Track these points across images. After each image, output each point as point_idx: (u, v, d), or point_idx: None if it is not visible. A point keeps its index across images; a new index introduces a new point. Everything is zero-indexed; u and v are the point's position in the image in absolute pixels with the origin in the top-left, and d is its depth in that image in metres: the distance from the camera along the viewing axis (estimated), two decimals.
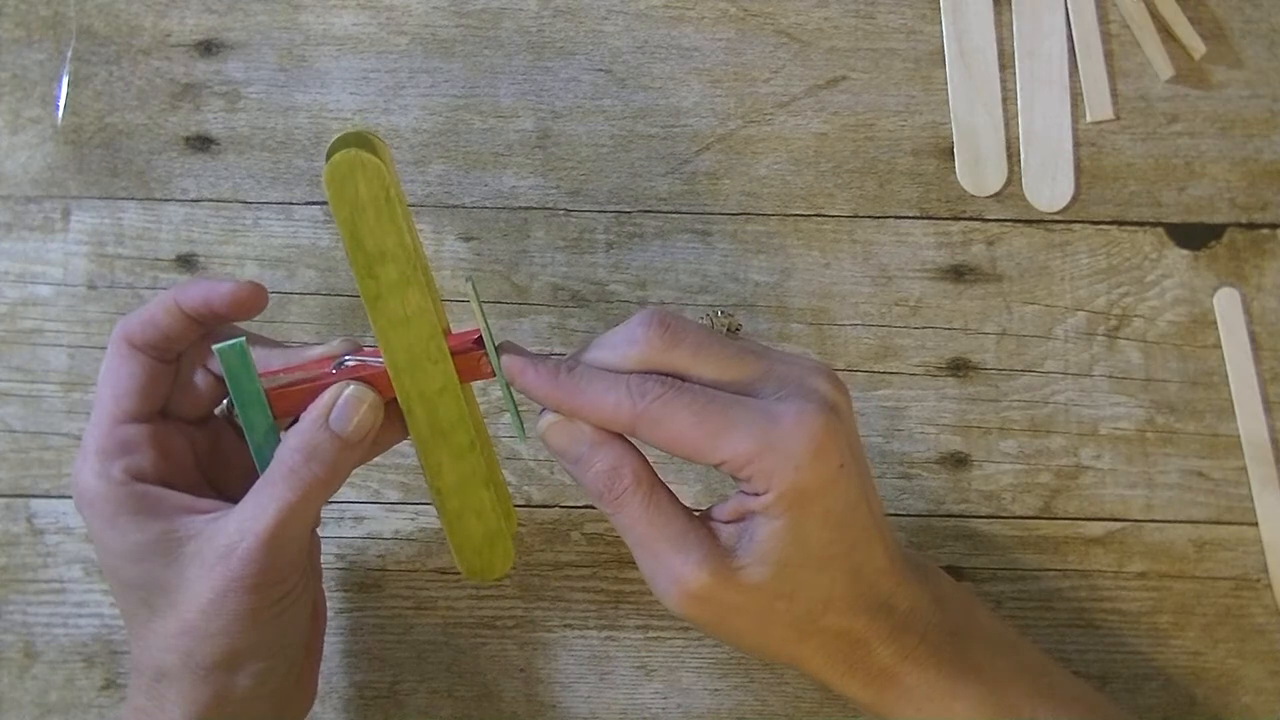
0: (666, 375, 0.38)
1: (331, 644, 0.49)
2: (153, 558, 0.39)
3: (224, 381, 0.41)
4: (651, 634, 0.49)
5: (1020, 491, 0.50)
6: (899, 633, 0.40)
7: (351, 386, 0.40)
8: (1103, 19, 0.53)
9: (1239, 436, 0.50)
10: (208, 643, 0.38)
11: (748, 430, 0.37)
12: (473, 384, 0.44)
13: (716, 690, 0.49)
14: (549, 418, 0.39)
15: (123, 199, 0.52)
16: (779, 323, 0.51)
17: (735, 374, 0.38)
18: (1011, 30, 0.53)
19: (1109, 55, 0.53)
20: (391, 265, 0.41)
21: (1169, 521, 0.50)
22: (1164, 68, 0.52)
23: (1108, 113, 0.52)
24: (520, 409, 0.43)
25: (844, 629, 0.39)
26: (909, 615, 0.40)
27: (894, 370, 0.51)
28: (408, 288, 0.41)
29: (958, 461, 0.50)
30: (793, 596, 0.38)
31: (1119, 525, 0.50)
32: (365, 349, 0.43)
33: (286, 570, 0.39)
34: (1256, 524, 0.50)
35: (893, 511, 0.50)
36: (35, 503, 0.50)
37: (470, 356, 0.42)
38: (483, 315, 0.42)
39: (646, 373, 0.38)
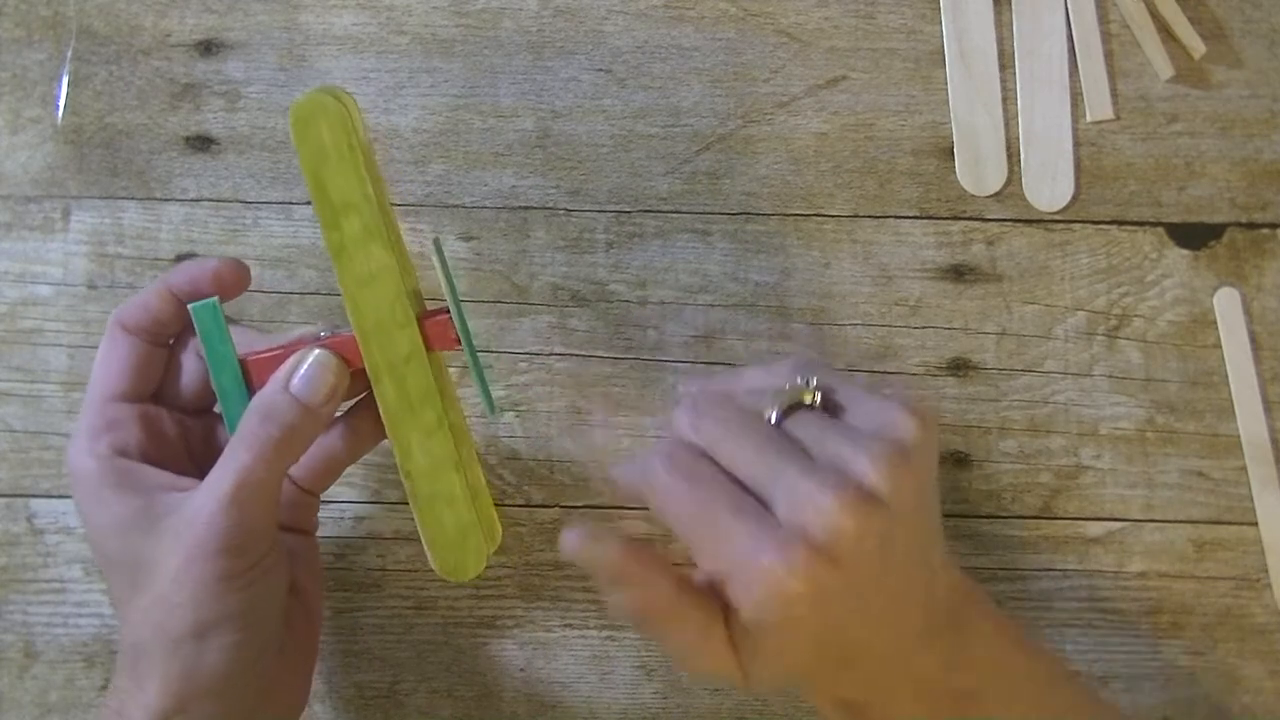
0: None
1: (331, 644, 0.49)
2: (133, 532, 0.39)
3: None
4: None
5: (1020, 491, 0.50)
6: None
7: (316, 352, 0.41)
8: (1103, 19, 0.53)
9: (1239, 436, 0.50)
10: (176, 613, 0.39)
11: (732, 546, 0.34)
12: (455, 389, 0.45)
13: (716, 690, 0.49)
14: (571, 535, 0.37)
15: (123, 199, 0.52)
16: (779, 323, 0.51)
17: (750, 471, 0.36)
18: (1011, 30, 0.53)
19: (1109, 55, 0.53)
20: (355, 217, 0.41)
21: (1169, 521, 0.50)
22: (1164, 68, 0.52)
23: (1108, 113, 0.52)
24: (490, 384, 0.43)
25: (910, 672, 0.37)
26: (909, 689, 0.37)
27: (894, 370, 0.51)
28: (371, 242, 0.41)
29: (958, 461, 0.50)
30: (851, 662, 0.36)
31: (1119, 525, 0.50)
32: (344, 331, 0.43)
33: (251, 537, 0.39)
34: (1256, 524, 0.50)
35: None
36: (35, 503, 0.50)
37: (437, 322, 0.42)
38: (447, 278, 0.42)
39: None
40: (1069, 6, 0.53)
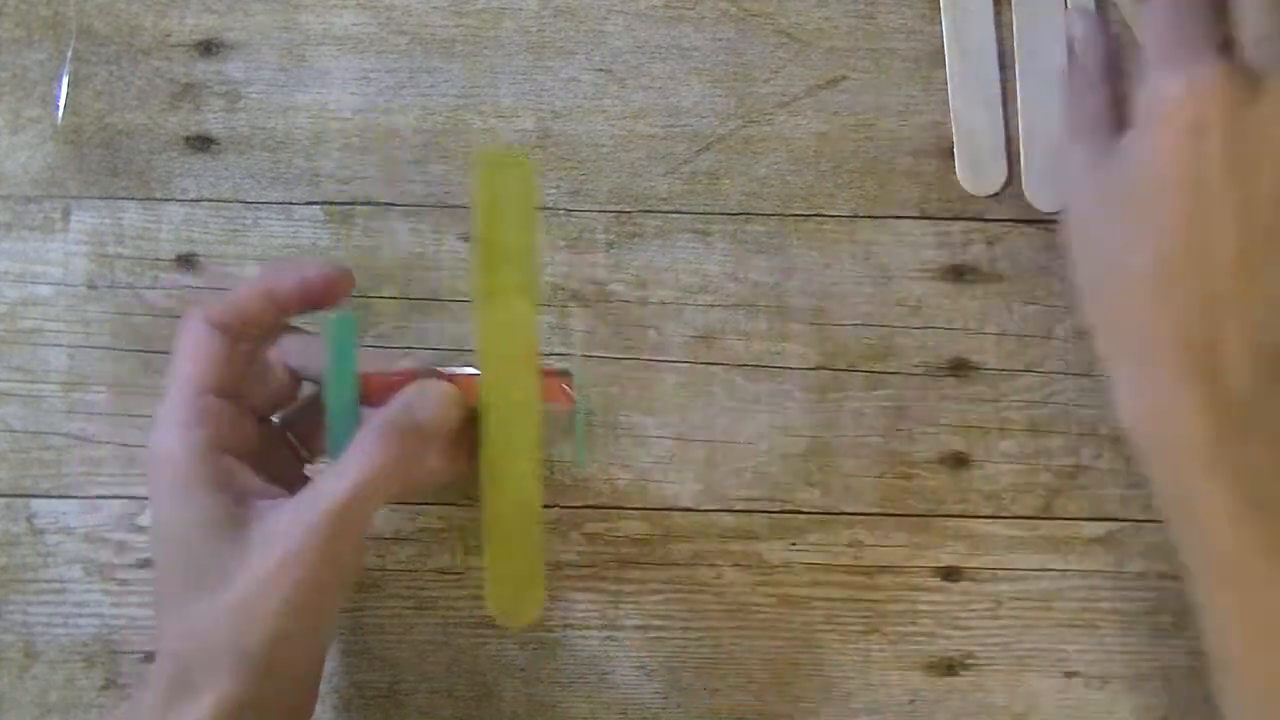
0: None
1: (331, 644, 0.49)
2: (219, 532, 0.38)
3: (293, 376, 0.43)
4: (651, 634, 0.49)
5: (1020, 491, 0.50)
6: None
7: (443, 384, 0.42)
8: (1102, 19, 0.53)
9: None
10: (257, 622, 0.38)
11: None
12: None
13: (716, 690, 0.49)
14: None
15: (123, 199, 0.52)
16: (779, 323, 0.51)
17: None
18: (1012, 30, 0.53)
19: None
20: (513, 268, 0.44)
21: None
22: None
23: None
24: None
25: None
26: None
27: (894, 370, 0.51)
28: (520, 294, 0.44)
29: (958, 461, 0.50)
30: None
31: (1119, 525, 0.50)
32: (454, 367, 0.45)
33: (345, 555, 0.39)
34: None
35: (893, 511, 0.50)
36: (35, 503, 0.50)
37: (554, 378, 0.45)
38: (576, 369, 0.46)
39: None
40: (1069, 6, 0.53)
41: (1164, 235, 0.42)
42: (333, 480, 0.39)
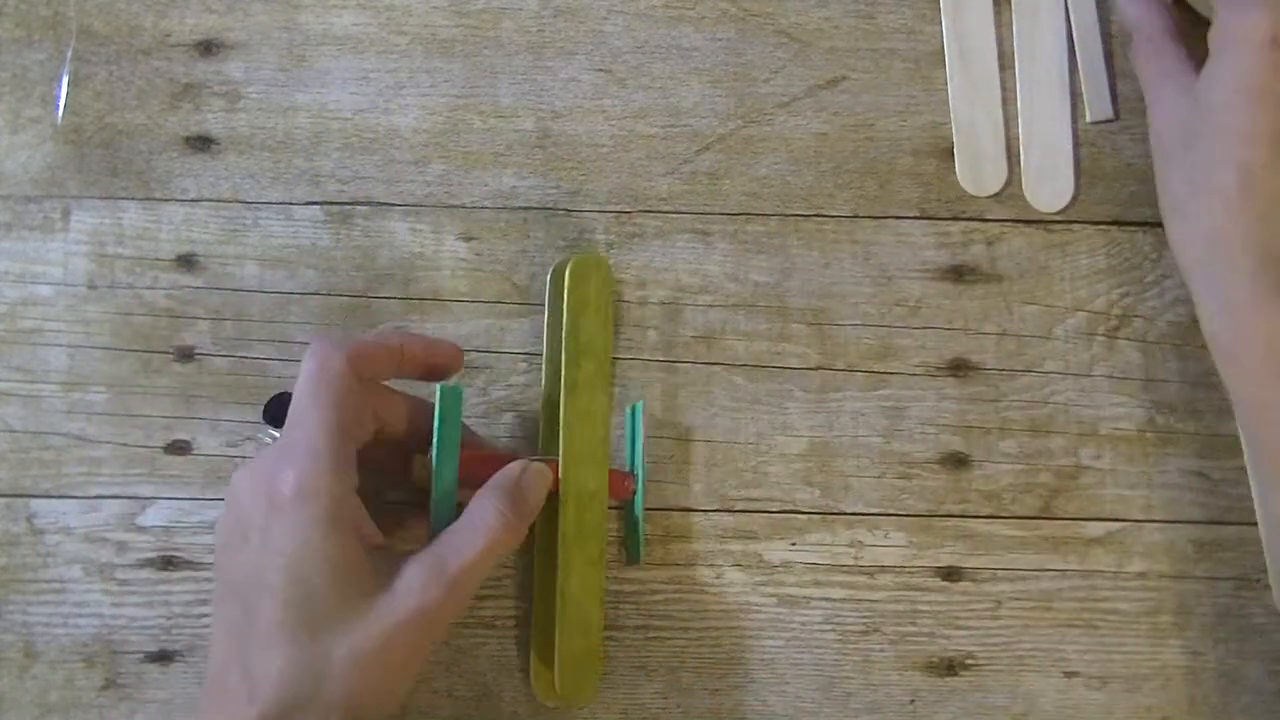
0: None
1: None
2: (350, 579, 0.38)
3: (380, 435, 0.43)
4: (651, 634, 0.49)
5: (1020, 491, 0.50)
6: None
7: (538, 464, 0.44)
8: (1103, 18, 0.53)
9: (1239, 436, 0.50)
10: (373, 679, 0.37)
11: None
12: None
13: (716, 690, 0.49)
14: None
15: (123, 199, 0.52)
16: (779, 323, 0.51)
17: None
18: (1011, 30, 0.53)
19: (1109, 56, 0.53)
20: (592, 361, 0.48)
21: (1169, 521, 0.50)
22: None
23: (1108, 113, 0.52)
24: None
25: None
26: None
27: (894, 370, 0.51)
28: (597, 387, 0.48)
29: (958, 461, 0.50)
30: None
31: (1119, 525, 0.50)
32: (532, 453, 0.49)
33: (453, 615, 0.40)
34: (1256, 524, 0.50)
35: (893, 511, 0.50)
36: (35, 503, 0.50)
37: (620, 475, 0.48)
38: (639, 438, 0.49)
39: None
40: (1069, 6, 0.53)
41: (1248, 147, 0.44)
42: (463, 540, 0.40)
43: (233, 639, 0.38)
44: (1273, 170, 0.43)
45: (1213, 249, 0.45)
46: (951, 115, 0.53)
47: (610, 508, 0.49)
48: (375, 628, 0.37)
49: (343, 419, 0.40)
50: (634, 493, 0.48)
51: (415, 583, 0.38)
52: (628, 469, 0.49)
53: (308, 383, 0.41)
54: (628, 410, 0.49)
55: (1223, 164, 0.44)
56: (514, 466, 0.43)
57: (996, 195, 0.52)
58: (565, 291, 0.48)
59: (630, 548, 0.48)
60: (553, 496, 0.46)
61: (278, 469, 0.39)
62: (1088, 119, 0.53)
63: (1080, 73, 0.53)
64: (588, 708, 0.48)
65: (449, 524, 0.42)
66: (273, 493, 0.38)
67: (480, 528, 0.40)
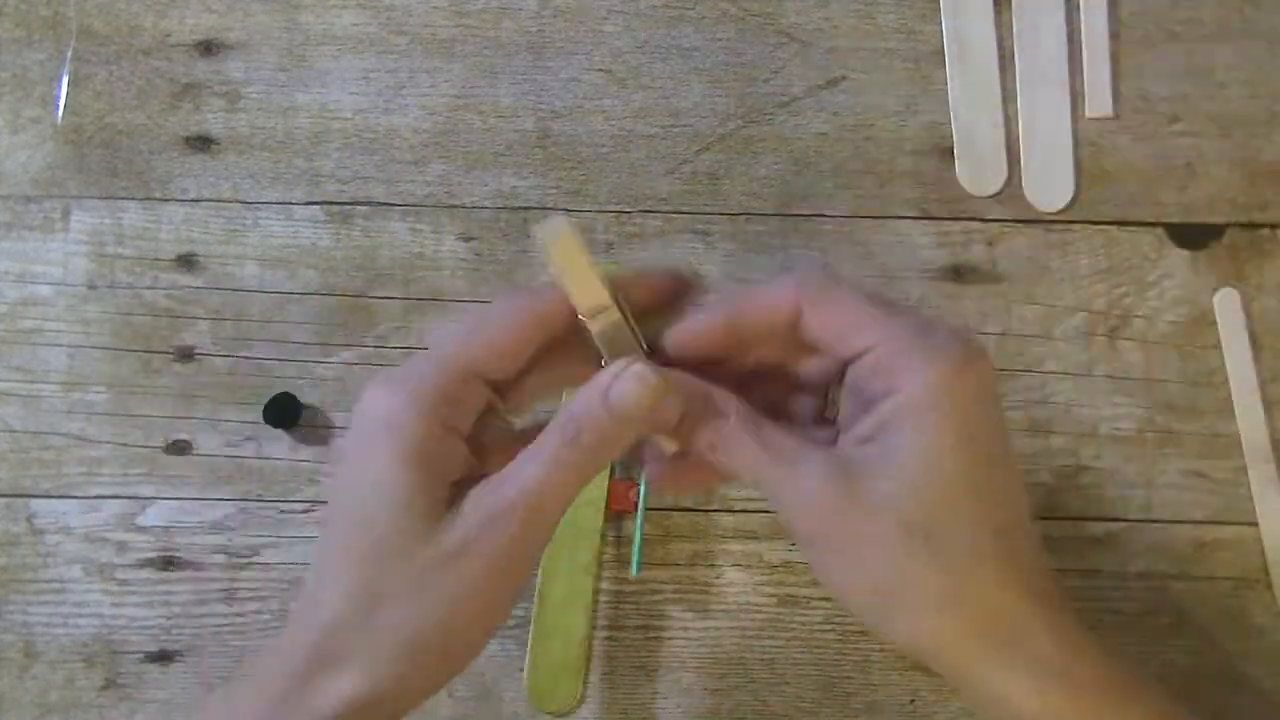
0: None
1: None
2: (416, 513, 0.36)
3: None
4: (651, 634, 0.49)
5: None
6: (1065, 624, 0.35)
7: (636, 365, 0.36)
8: (1112, 15, 0.53)
9: (1239, 436, 0.50)
10: (430, 610, 0.36)
11: (901, 324, 0.35)
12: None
13: (716, 690, 0.49)
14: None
15: (123, 199, 0.52)
16: None
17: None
18: (1011, 30, 0.53)
19: (1115, 54, 0.53)
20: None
21: (1169, 521, 0.50)
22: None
23: (1107, 110, 0.52)
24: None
25: (997, 607, 0.34)
26: (1072, 613, 0.35)
27: None
28: None
29: None
30: (930, 535, 0.34)
31: (1119, 525, 0.50)
32: None
33: (526, 550, 0.37)
34: (1256, 524, 0.50)
35: None
36: (35, 503, 0.50)
37: (623, 486, 0.47)
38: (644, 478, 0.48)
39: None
40: (1080, 4, 0.53)
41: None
42: (519, 475, 0.36)
43: (314, 560, 0.38)
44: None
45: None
46: (951, 115, 0.53)
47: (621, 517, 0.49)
48: (429, 556, 0.36)
49: (471, 359, 0.37)
50: (635, 504, 0.48)
51: (473, 513, 0.36)
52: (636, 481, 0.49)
53: (476, 313, 0.38)
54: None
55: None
56: (602, 376, 0.36)
57: (996, 195, 0.52)
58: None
59: (635, 557, 0.48)
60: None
61: (376, 393, 0.37)
62: (1086, 114, 0.52)
63: (1084, 68, 0.53)
64: (587, 708, 0.48)
65: None
66: (364, 415, 0.37)
67: (542, 455, 0.36)
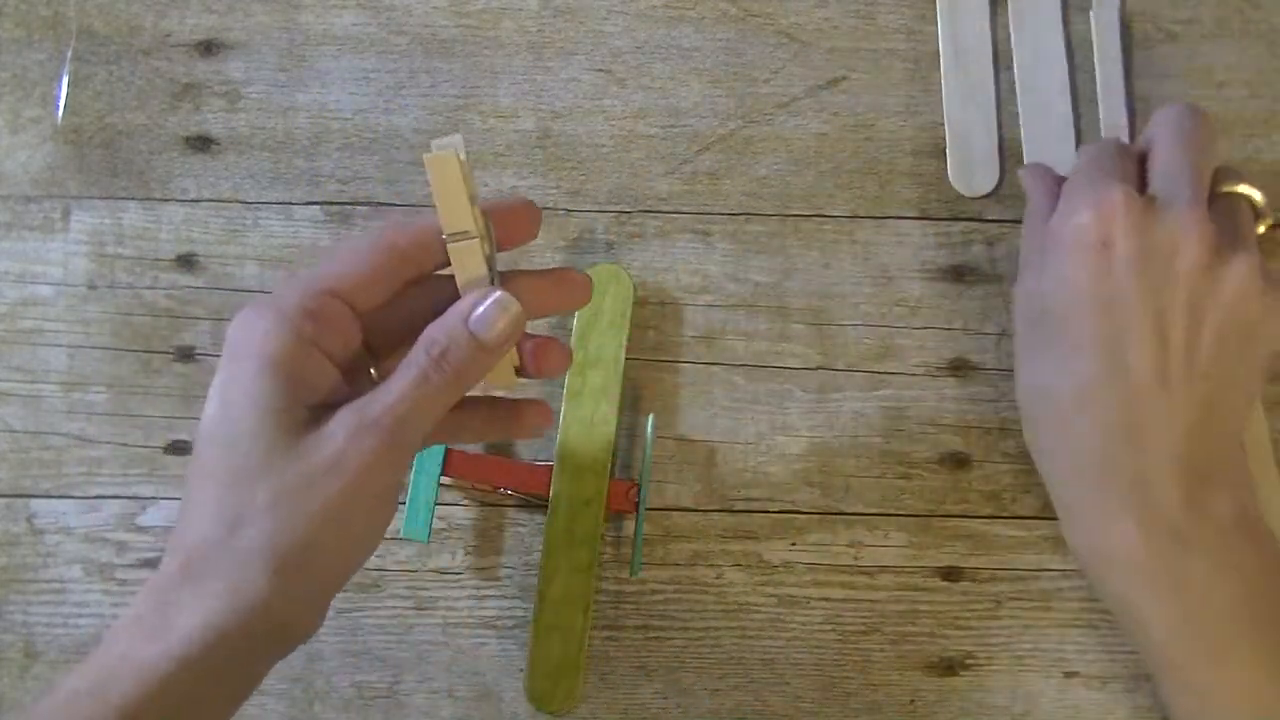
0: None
1: (331, 644, 0.49)
2: (278, 428, 0.36)
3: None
4: (651, 634, 0.49)
5: (1020, 491, 0.50)
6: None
7: (498, 293, 0.38)
8: (1123, 17, 0.53)
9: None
10: (293, 524, 0.36)
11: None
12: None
13: (716, 690, 0.49)
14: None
15: (123, 199, 0.52)
16: (779, 323, 0.51)
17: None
18: (1009, 31, 0.53)
19: (1129, 67, 0.53)
20: (600, 373, 0.48)
21: None
22: None
23: (1121, 120, 0.52)
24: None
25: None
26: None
27: (894, 370, 0.51)
28: (604, 398, 0.48)
29: (958, 461, 0.50)
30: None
31: None
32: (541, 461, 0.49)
33: (396, 466, 0.38)
34: None
35: (893, 511, 0.50)
36: (35, 503, 0.50)
37: (622, 485, 0.48)
38: (647, 455, 0.48)
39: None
40: (1092, 15, 0.53)
41: (1083, 357, 0.43)
42: (386, 390, 0.37)
43: (185, 483, 0.38)
44: (1108, 380, 0.43)
45: (1063, 463, 0.45)
46: (945, 116, 0.53)
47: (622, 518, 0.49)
48: (294, 471, 0.36)
49: (339, 277, 0.38)
50: (635, 504, 0.48)
51: (339, 429, 0.36)
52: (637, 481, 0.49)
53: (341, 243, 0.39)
54: (645, 422, 0.49)
55: (1062, 373, 0.44)
56: (462, 303, 0.38)
57: (996, 196, 0.52)
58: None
59: (634, 559, 0.48)
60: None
61: (243, 315, 0.38)
62: (1102, 128, 0.52)
63: (1097, 82, 0.52)
64: (587, 708, 0.48)
65: None
66: (231, 337, 0.38)
67: (409, 371, 0.37)
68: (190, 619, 0.35)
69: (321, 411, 0.37)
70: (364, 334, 0.39)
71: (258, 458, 0.36)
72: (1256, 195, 0.46)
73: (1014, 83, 0.53)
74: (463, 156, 0.36)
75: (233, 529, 0.36)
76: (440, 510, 0.49)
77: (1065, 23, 0.53)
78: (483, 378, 0.39)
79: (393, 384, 0.37)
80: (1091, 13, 0.53)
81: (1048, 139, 0.52)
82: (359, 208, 0.52)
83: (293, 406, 0.37)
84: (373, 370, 0.40)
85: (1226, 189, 0.45)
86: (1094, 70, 0.53)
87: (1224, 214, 0.45)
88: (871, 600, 0.49)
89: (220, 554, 0.36)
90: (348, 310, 0.38)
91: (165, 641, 0.35)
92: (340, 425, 0.36)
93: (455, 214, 0.37)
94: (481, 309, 0.38)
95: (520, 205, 0.41)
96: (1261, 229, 0.46)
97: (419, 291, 0.40)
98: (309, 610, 0.38)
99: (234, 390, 0.37)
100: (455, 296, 0.38)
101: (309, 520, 0.36)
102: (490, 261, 0.38)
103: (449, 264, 0.38)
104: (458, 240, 0.37)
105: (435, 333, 0.38)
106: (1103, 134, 0.52)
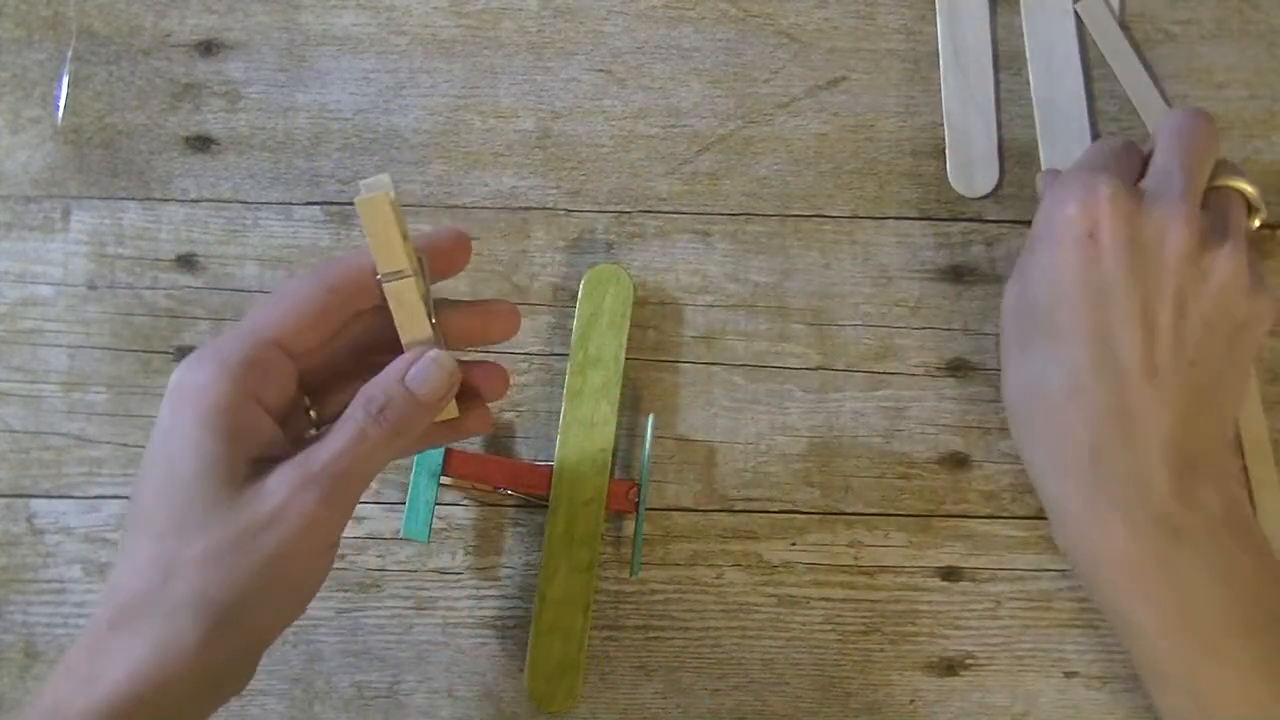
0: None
1: (331, 644, 0.49)
2: (217, 481, 0.36)
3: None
4: (651, 634, 0.49)
5: (1020, 491, 0.50)
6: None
7: (433, 351, 0.39)
8: (1124, 22, 0.53)
9: (1239, 436, 0.50)
10: (229, 579, 0.36)
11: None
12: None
13: (716, 690, 0.49)
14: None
15: (123, 199, 0.52)
16: (779, 323, 0.51)
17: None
18: (1008, 31, 0.53)
19: (1149, 66, 0.53)
20: (600, 373, 0.49)
21: None
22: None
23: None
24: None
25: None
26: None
27: (894, 370, 0.51)
28: (604, 398, 0.49)
29: (958, 461, 0.50)
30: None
31: None
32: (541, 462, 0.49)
33: (334, 521, 0.38)
34: None
35: (892, 511, 0.50)
36: (35, 503, 0.50)
37: (622, 485, 0.48)
38: (646, 454, 0.48)
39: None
40: (1097, 31, 0.53)
41: (1072, 347, 0.43)
42: (326, 446, 0.37)
43: (123, 531, 0.38)
44: (1098, 369, 0.43)
45: (1052, 456, 0.44)
46: (945, 116, 0.53)
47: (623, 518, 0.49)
48: (232, 524, 0.36)
49: (276, 326, 0.39)
50: (635, 505, 0.48)
51: (279, 483, 0.36)
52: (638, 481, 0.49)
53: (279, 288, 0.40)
54: (645, 422, 0.49)
55: (1051, 363, 0.44)
56: (400, 361, 0.38)
57: (996, 196, 0.52)
58: (578, 301, 0.49)
59: (634, 559, 0.48)
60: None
61: (184, 365, 0.38)
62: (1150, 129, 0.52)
63: (1121, 82, 0.52)
64: (587, 708, 0.48)
65: None
66: (172, 386, 0.38)
67: (348, 427, 0.38)
68: (116, 670, 0.35)
69: (261, 465, 0.37)
70: (300, 373, 0.40)
71: (195, 509, 0.36)
72: (1250, 189, 0.46)
73: (1014, 83, 0.53)
74: (393, 196, 0.37)
75: (165, 579, 0.36)
76: (440, 510, 0.49)
77: (1078, 24, 0.53)
78: (421, 429, 0.39)
79: (332, 440, 0.37)
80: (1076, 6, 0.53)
81: (1067, 143, 0.52)
82: None
83: (231, 458, 0.37)
84: (311, 411, 0.41)
85: (1221, 183, 0.46)
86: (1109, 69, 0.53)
87: (1216, 207, 0.45)
88: (871, 600, 0.49)
89: (151, 605, 0.36)
90: (285, 358, 0.39)
91: (92, 694, 0.35)
92: (280, 480, 0.37)
93: (389, 254, 0.37)
94: (418, 368, 0.38)
95: (450, 236, 0.41)
96: (1255, 223, 0.46)
97: (353, 326, 0.40)
98: (240, 664, 0.38)
99: (174, 440, 0.37)
100: (389, 330, 0.39)
101: (245, 574, 0.36)
102: (425, 296, 0.39)
103: (384, 301, 0.39)
104: (392, 279, 0.38)
105: (373, 390, 0.38)
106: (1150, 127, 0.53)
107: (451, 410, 0.40)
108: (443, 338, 0.40)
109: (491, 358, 0.51)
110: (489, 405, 0.42)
